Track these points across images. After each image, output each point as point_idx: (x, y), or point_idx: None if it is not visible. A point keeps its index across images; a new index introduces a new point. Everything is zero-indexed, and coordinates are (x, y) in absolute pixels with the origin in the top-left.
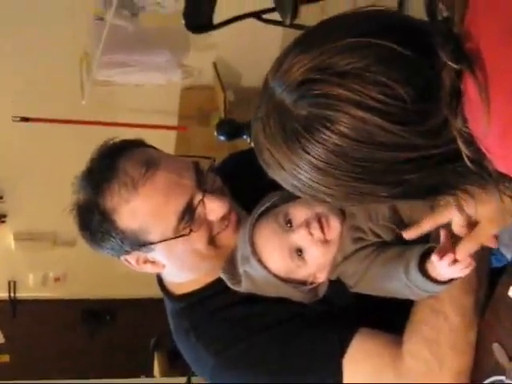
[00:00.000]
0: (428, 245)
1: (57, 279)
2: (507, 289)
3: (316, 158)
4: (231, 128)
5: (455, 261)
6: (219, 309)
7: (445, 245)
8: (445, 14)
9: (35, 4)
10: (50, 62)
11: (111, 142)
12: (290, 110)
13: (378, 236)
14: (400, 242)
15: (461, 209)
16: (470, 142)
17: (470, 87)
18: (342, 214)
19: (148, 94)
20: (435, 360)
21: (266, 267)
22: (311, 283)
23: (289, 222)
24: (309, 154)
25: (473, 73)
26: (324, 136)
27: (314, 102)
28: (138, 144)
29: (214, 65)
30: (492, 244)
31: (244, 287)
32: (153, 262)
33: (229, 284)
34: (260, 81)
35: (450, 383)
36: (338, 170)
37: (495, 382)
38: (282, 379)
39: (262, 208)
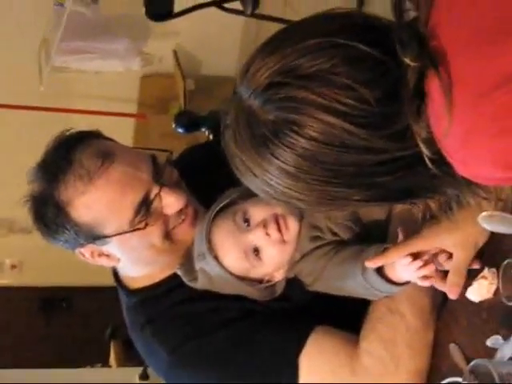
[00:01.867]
0: (385, 245)
1: (13, 266)
2: (464, 289)
3: (285, 163)
4: (190, 120)
5: (421, 265)
6: (175, 304)
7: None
8: (412, 14)
9: None
10: (8, 47)
11: (67, 133)
12: (257, 114)
13: (335, 235)
14: (357, 241)
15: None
16: (432, 144)
17: (433, 88)
18: (300, 213)
19: (107, 81)
20: (391, 359)
21: (221, 265)
22: (267, 281)
23: (246, 221)
24: (278, 159)
25: (437, 72)
26: (292, 140)
27: (280, 106)
28: (95, 135)
29: (174, 53)
30: (475, 265)
31: (200, 284)
32: (107, 256)
33: (185, 280)
34: (220, 70)
35: (406, 383)
36: (308, 175)
37: (451, 382)
38: (236, 377)
39: (220, 205)
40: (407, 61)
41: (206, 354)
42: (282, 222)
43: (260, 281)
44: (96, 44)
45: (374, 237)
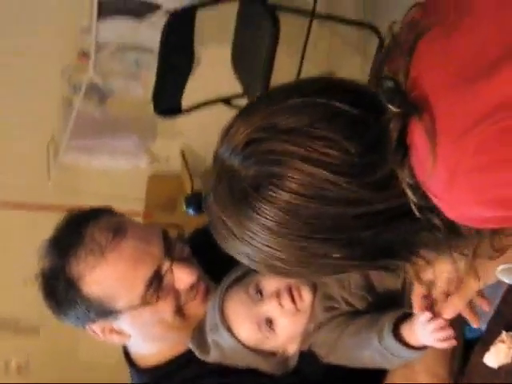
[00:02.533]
0: (401, 310)
1: (19, 367)
2: (482, 357)
3: (266, 218)
4: (199, 201)
5: (441, 326)
6: (187, 382)
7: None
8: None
9: (6, 88)
10: (17, 146)
11: (78, 210)
12: (237, 171)
13: (350, 305)
14: (372, 310)
15: (418, 278)
16: (417, 189)
17: (416, 135)
18: (314, 284)
19: (115, 179)
20: None
21: (234, 337)
22: (281, 354)
23: (259, 291)
24: (258, 214)
25: (420, 117)
26: (272, 193)
27: (260, 160)
28: (106, 211)
29: (182, 153)
30: (475, 323)
31: (213, 357)
32: (119, 333)
33: (197, 353)
34: None
35: None
36: (288, 229)
37: None
38: None
39: (233, 277)
40: (392, 109)
41: None
42: (295, 292)
43: (273, 354)
44: (104, 142)
45: (388, 307)
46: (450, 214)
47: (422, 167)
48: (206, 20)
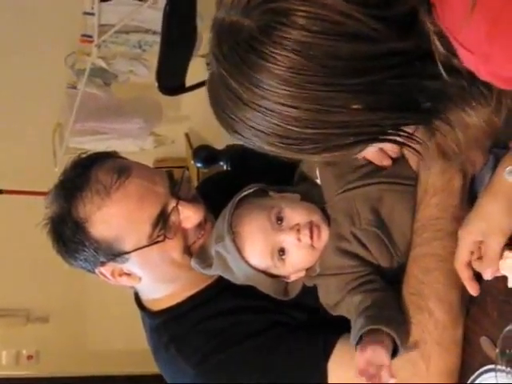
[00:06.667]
0: (372, 327)
1: (30, 357)
2: (493, 280)
3: (276, 64)
4: (208, 155)
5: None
6: (198, 321)
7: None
8: None
9: (9, 78)
10: (23, 134)
11: (84, 155)
12: (240, 23)
13: (362, 244)
14: (385, 264)
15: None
16: (441, 36)
17: None
18: (328, 222)
19: None
20: (421, 359)
21: (239, 251)
22: (282, 279)
23: (280, 219)
24: (268, 61)
25: None
26: (280, 33)
27: (264, 9)
28: (111, 154)
29: (187, 136)
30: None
31: (214, 269)
32: (128, 275)
33: (199, 268)
34: None
35: (437, 383)
36: (303, 75)
37: (486, 370)
38: None
39: (251, 190)
40: None
41: (233, 365)
42: (315, 230)
43: (275, 276)
44: (109, 125)
45: (398, 246)
46: (483, 68)
47: (454, 11)
48: None
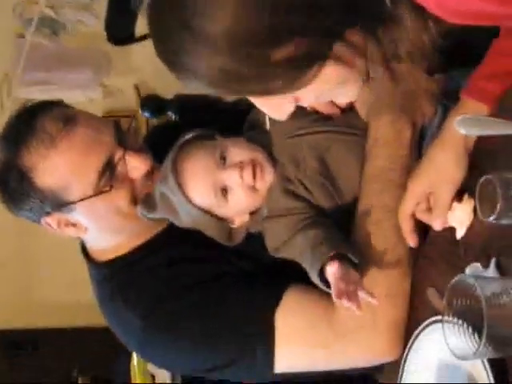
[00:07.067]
0: (337, 251)
1: None
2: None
3: None
4: (156, 105)
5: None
6: (145, 271)
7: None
8: None
9: None
10: None
11: (29, 103)
12: None
13: (307, 189)
14: (331, 215)
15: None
16: None
17: None
18: (274, 164)
19: None
20: (369, 311)
21: (183, 191)
22: (227, 223)
23: (223, 158)
24: None
25: None
26: None
27: None
28: (57, 103)
29: (136, 87)
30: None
31: (159, 211)
32: (74, 225)
33: (143, 213)
34: None
35: (384, 334)
36: None
37: (431, 322)
38: (211, 338)
39: (196, 133)
40: None
41: (180, 314)
42: (258, 169)
43: (219, 218)
44: (57, 75)
45: (345, 197)
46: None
47: None
48: None
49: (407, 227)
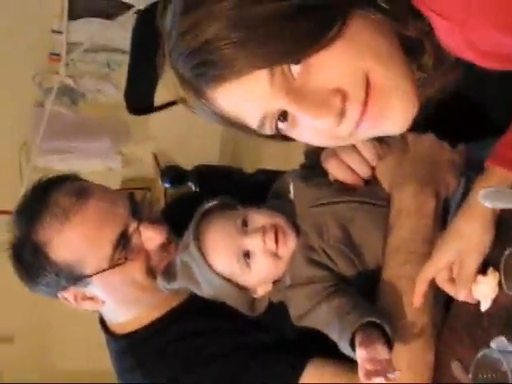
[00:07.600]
0: (367, 319)
1: None
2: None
3: None
4: (176, 175)
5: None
6: (164, 344)
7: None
8: None
9: None
10: None
11: (44, 178)
12: None
13: (330, 259)
14: (355, 281)
15: None
16: None
17: None
18: (297, 232)
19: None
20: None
21: (205, 258)
22: (250, 292)
23: (245, 224)
24: None
25: None
26: None
27: None
28: (71, 177)
29: (155, 156)
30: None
31: (179, 280)
32: (91, 299)
33: (163, 284)
34: None
35: None
36: None
37: None
38: None
39: (217, 202)
40: None
41: None
42: (281, 235)
43: (241, 287)
44: (76, 144)
45: (369, 266)
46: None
47: None
48: None
49: (420, 290)
